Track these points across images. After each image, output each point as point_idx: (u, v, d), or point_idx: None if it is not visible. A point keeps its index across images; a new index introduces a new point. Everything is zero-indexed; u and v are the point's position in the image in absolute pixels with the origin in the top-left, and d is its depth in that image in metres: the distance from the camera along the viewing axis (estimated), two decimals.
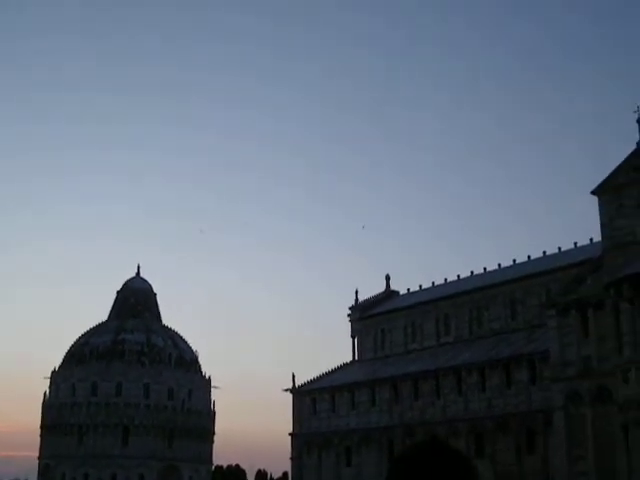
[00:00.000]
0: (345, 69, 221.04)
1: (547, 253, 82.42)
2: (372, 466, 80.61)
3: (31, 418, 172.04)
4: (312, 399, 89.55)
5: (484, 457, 70.73)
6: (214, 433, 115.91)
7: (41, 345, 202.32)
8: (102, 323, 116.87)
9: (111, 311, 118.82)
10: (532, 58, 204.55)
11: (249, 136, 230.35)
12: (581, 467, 61.28)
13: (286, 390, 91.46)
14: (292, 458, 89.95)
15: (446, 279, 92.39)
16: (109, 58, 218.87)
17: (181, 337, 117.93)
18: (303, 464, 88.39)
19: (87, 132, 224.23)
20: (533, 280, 78.14)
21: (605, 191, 62.01)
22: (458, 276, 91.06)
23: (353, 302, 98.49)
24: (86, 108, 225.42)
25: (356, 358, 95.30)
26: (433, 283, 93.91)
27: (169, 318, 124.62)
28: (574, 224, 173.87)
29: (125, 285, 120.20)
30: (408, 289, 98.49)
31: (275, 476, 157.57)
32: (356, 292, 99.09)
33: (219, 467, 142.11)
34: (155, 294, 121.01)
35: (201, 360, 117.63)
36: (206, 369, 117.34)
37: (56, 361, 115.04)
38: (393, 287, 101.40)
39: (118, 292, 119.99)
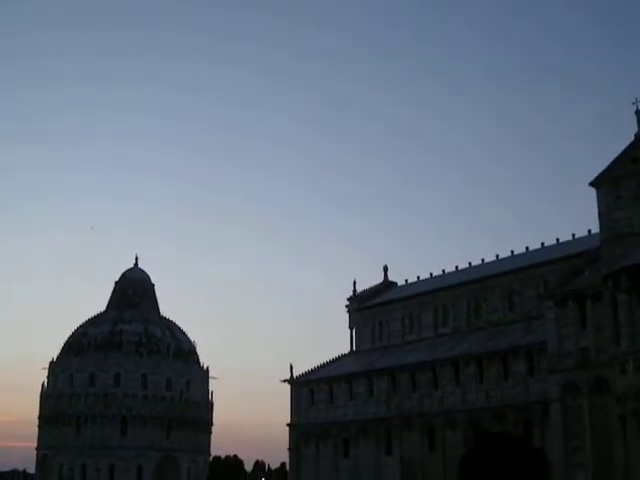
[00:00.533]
0: (343, 68, 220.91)
1: (545, 244, 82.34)
2: (370, 457, 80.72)
3: (29, 409, 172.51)
4: (310, 390, 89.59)
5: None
6: (212, 424, 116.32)
7: (39, 336, 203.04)
8: (100, 314, 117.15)
9: (109, 302, 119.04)
10: (532, 54, 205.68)
11: (250, 134, 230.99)
12: (578, 458, 61.37)
13: (284, 381, 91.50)
14: (290, 449, 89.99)
15: (444, 270, 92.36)
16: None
17: (179, 328, 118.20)
18: (301, 455, 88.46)
19: (87, 125, 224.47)
20: (531, 271, 78.06)
21: (603, 183, 62.03)
22: (456, 267, 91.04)
23: (351, 293, 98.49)
24: (86, 101, 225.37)
25: (354, 349, 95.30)
26: (431, 274, 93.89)
27: (167, 309, 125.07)
28: (572, 215, 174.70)
29: (123, 276, 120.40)
30: (406, 280, 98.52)
31: (273, 467, 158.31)
32: (354, 283, 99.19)
33: (217, 458, 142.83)
34: (153, 285, 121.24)
35: (199, 351, 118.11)
36: (204, 360, 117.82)
37: (54, 352, 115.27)
38: (391, 278, 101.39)
39: (116, 283, 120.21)
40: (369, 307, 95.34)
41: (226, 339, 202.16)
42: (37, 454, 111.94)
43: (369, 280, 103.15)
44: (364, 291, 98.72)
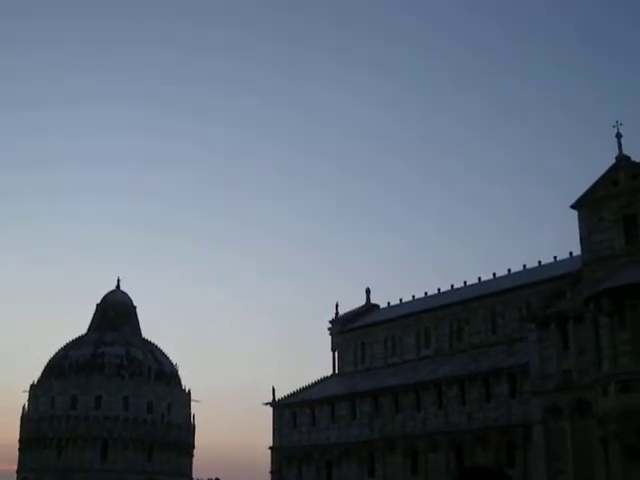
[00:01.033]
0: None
1: (527, 267, 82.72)
2: None
3: (10, 432, 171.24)
4: (292, 413, 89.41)
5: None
6: (194, 447, 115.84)
7: (20, 358, 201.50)
8: (82, 336, 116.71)
9: (91, 324, 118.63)
10: (515, 72, 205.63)
11: (231, 151, 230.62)
12: None
13: (266, 404, 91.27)
14: (272, 472, 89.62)
15: (426, 293, 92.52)
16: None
17: (161, 350, 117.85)
18: (283, 478, 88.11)
19: (69, 148, 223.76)
20: (513, 294, 78.30)
21: (584, 205, 62.34)
22: (438, 290, 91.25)
23: (333, 315, 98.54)
24: (70, 121, 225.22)
25: (336, 371, 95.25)
26: (413, 296, 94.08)
27: (149, 331, 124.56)
28: (554, 238, 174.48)
29: (105, 298, 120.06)
30: (388, 302, 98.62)
31: None
32: (336, 305, 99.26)
33: None
34: (135, 307, 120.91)
35: (181, 373, 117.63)
36: (186, 382, 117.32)
37: (35, 375, 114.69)
38: (373, 301, 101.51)
39: (98, 305, 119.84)
40: (351, 329, 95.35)
41: (208, 361, 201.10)
42: (18, 477, 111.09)
43: (352, 302, 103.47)
44: (346, 313, 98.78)
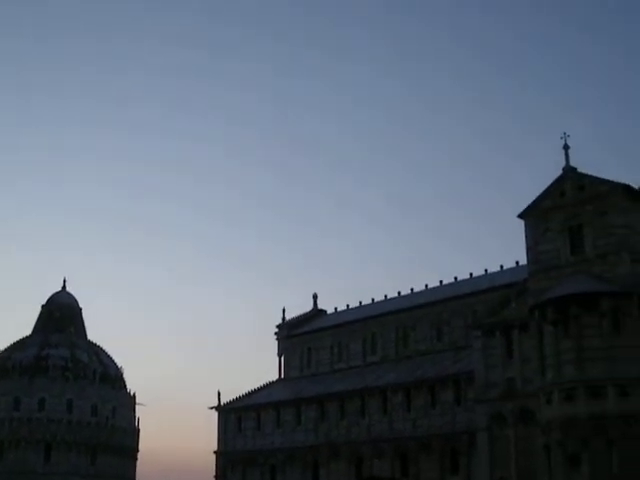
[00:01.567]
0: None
1: (474, 275, 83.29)
2: None
3: None
4: (237, 417, 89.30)
5: (409, 477, 71.15)
6: (138, 450, 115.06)
7: None
8: (25, 337, 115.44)
9: (35, 325, 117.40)
10: (465, 81, 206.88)
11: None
12: None
13: (211, 408, 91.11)
14: (216, 476, 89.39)
15: (373, 299, 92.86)
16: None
17: (106, 353, 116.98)
18: None
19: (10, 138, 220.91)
20: (459, 301, 78.79)
21: (531, 215, 62.90)
22: (385, 296, 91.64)
23: (280, 320, 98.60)
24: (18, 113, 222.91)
25: (282, 376, 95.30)
26: (360, 303, 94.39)
27: (94, 334, 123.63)
28: (501, 247, 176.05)
29: (50, 299, 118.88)
30: (335, 308, 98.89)
31: None
32: (283, 310, 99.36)
33: None
34: (81, 309, 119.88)
35: (126, 377, 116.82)
36: (131, 386, 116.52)
37: None
38: (320, 306, 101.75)
39: (43, 306, 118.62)
40: (298, 335, 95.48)
41: (154, 365, 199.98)
42: None
43: (298, 308, 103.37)
44: (293, 319, 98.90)
